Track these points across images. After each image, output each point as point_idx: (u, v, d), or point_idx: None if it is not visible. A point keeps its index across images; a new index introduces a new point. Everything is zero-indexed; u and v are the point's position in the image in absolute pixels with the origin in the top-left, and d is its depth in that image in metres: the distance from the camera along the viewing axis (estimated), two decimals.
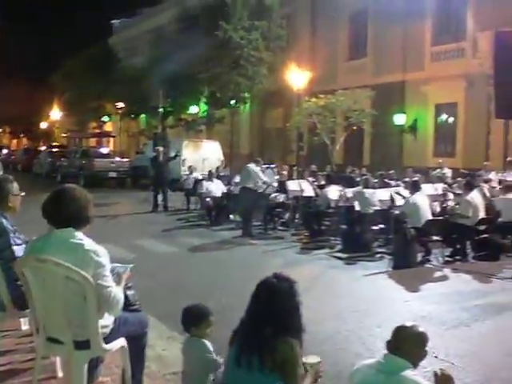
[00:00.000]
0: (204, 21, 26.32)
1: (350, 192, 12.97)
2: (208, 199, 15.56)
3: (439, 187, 13.58)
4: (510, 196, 11.55)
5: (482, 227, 10.98)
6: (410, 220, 10.48)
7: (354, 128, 22.84)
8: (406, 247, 10.11)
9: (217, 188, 16.11)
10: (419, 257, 10.44)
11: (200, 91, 29.90)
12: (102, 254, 3.65)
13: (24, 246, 4.40)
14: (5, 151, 52.31)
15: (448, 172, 17.70)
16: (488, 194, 12.57)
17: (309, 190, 14.31)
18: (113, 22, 54.24)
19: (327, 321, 6.71)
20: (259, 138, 33.43)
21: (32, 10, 74.64)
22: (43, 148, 45.33)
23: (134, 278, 4.22)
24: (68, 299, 3.62)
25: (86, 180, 25.91)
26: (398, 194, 12.22)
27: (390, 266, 9.97)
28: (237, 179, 15.91)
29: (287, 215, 14.66)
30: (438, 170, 17.88)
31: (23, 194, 4.89)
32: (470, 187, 11.32)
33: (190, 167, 19.55)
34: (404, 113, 24.35)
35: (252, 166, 13.75)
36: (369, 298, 8.07)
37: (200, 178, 18.01)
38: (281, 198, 14.47)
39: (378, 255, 11.03)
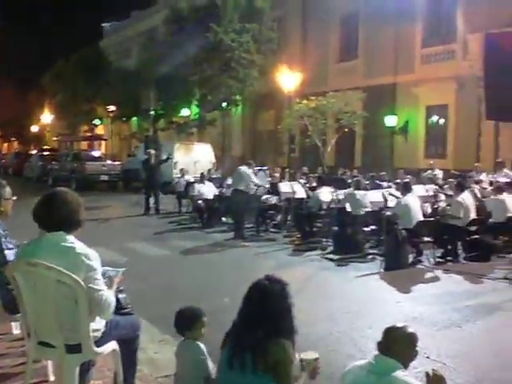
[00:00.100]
0: (195, 23, 26.31)
1: (341, 194, 13.00)
2: (200, 202, 15.54)
3: (430, 188, 13.63)
4: (501, 197, 11.61)
5: (473, 228, 11.04)
6: (401, 221, 10.52)
7: (346, 130, 22.89)
8: (397, 248, 10.14)
9: (208, 190, 16.10)
10: (411, 258, 10.48)
11: (191, 94, 29.88)
12: (94, 257, 3.65)
13: (15, 250, 4.39)
14: None
15: (439, 173, 17.77)
16: (479, 195, 12.64)
17: (300, 192, 14.33)
18: (103, 25, 54.15)
19: (319, 322, 6.72)
20: (251, 141, 33.45)
21: (23, 11, 74.47)
22: (34, 151, 45.18)
23: (126, 281, 4.21)
24: (59, 303, 3.61)
25: (78, 183, 25.83)
26: (390, 194, 12.28)
27: (382, 267, 9.99)
28: (229, 181, 15.91)
29: (279, 217, 14.69)
30: (429, 172, 17.96)
31: (15, 198, 4.88)
32: (461, 188, 11.37)
33: (181, 170, 19.53)
34: (395, 115, 24.43)
35: (244, 168, 13.76)
36: (360, 300, 8.09)
37: (192, 180, 18.00)
38: (273, 200, 14.49)
39: (370, 256, 11.07)
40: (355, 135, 25.03)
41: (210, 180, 17.33)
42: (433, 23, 23.43)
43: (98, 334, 3.80)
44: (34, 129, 61.35)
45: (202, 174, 17.23)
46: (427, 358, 5.57)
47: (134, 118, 36.44)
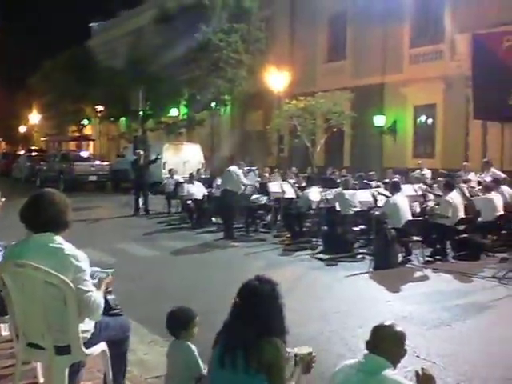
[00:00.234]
0: (183, 23, 26.27)
1: (330, 193, 13.04)
2: (189, 202, 15.52)
3: (419, 188, 13.67)
4: (489, 196, 11.67)
5: (462, 227, 11.08)
6: (390, 221, 10.54)
7: (334, 130, 22.94)
8: (386, 248, 10.16)
9: (198, 190, 16.08)
10: (400, 257, 10.50)
11: (180, 94, 29.83)
12: (82, 258, 3.63)
13: (3, 251, 4.36)
14: None
15: (427, 173, 17.83)
16: (467, 194, 12.70)
17: (290, 192, 14.33)
18: (91, 24, 53.94)
19: (310, 322, 6.72)
20: (240, 141, 33.40)
21: (9, 10, 73.99)
22: (22, 152, 44.93)
23: (116, 281, 4.19)
24: (48, 304, 3.59)
25: (66, 184, 25.71)
26: (380, 193, 12.32)
27: (371, 267, 10.01)
28: (218, 182, 15.90)
29: (269, 217, 14.69)
30: (418, 171, 18.02)
31: (4, 199, 4.84)
32: (449, 187, 11.41)
33: (170, 170, 19.48)
34: (383, 114, 24.49)
35: (234, 168, 13.75)
36: (350, 299, 8.11)
37: (181, 180, 17.95)
38: (262, 200, 14.49)
39: (359, 256, 11.08)
40: (344, 135, 25.07)
41: (200, 180, 17.30)
42: (421, 23, 23.51)
43: (88, 335, 3.78)
44: (22, 129, 61.05)
45: (191, 174, 17.19)
46: (417, 356, 5.59)
47: (123, 119, 36.29)
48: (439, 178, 14.55)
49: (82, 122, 44.92)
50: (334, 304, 7.77)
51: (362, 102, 23.71)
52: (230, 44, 26.14)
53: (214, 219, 15.64)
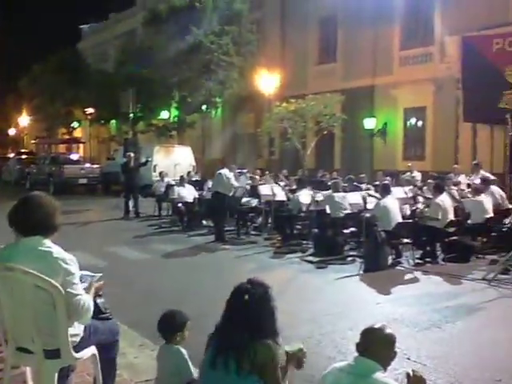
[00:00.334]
0: (174, 25, 26.26)
1: (320, 196, 13.07)
2: (180, 204, 15.49)
3: (409, 190, 13.72)
4: (479, 198, 11.72)
5: (452, 229, 11.11)
6: (380, 223, 10.57)
7: (325, 132, 22.97)
8: (376, 250, 10.18)
9: (189, 193, 16.05)
10: (390, 259, 10.53)
11: (171, 96, 29.80)
12: (71, 261, 3.61)
13: None
14: None
15: (418, 175, 17.88)
16: (457, 197, 12.74)
17: (281, 195, 14.35)
18: (81, 26, 53.80)
19: (300, 325, 6.72)
20: (231, 143, 33.41)
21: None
22: (12, 155, 44.72)
23: (106, 285, 4.17)
24: (37, 308, 3.57)
25: (56, 187, 25.63)
26: (370, 195, 12.35)
27: (362, 269, 10.02)
28: (209, 184, 15.88)
29: (260, 220, 14.70)
30: (408, 174, 18.07)
31: None
32: (439, 190, 11.45)
33: (160, 173, 19.44)
34: (374, 117, 24.56)
35: (224, 171, 13.74)
36: (341, 301, 8.12)
37: (172, 183, 17.92)
38: (253, 202, 14.49)
39: (350, 258, 11.10)
40: (335, 138, 25.15)
41: (190, 183, 17.28)
42: (411, 26, 23.62)
43: (77, 339, 3.76)
44: (12, 132, 60.76)
45: (181, 176, 17.17)
46: (408, 359, 5.61)
47: (113, 121, 36.19)
48: (429, 181, 14.60)
49: (72, 125, 44.73)
50: (324, 306, 7.77)
51: (353, 105, 23.79)
52: (221, 46, 26.15)
53: (204, 222, 15.62)
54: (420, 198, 13.49)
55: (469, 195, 12.79)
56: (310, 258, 11.16)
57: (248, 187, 15.66)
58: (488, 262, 10.35)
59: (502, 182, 15.04)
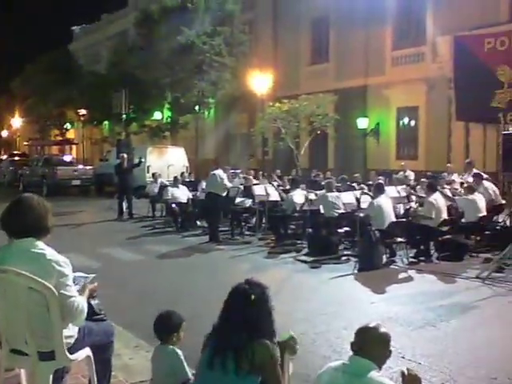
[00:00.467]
0: (166, 26, 26.24)
1: (313, 195, 13.08)
2: (174, 205, 15.47)
3: (403, 189, 13.75)
4: (472, 197, 11.76)
5: (445, 228, 11.14)
6: (374, 222, 10.59)
7: (318, 132, 23.00)
8: (371, 249, 10.19)
9: (182, 194, 16.03)
10: (384, 258, 10.54)
11: (163, 97, 29.77)
12: (64, 263, 3.61)
13: None
14: None
15: (411, 174, 17.92)
16: (450, 195, 12.78)
17: (274, 195, 14.35)
18: (73, 28, 53.68)
19: (295, 324, 6.70)
20: (224, 144, 33.41)
21: None
22: (4, 157, 44.60)
23: (100, 286, 4.16)
24: (31, 310, 3.56)
25: (49, 188, 25.58)
26: (364, 193, 12.37)
27: (356, 269, 10.03)
28: (203, 185, 15.86)
29: (254, 220, 14.69)
30: (401, 173, 18.11)
31: None
32: (432, 189, 11.48)
33: (153, 174, 19.42)
34: (366, 117, 24.62)
35: (218, 172, 13.73)
36: (336, 301, 8.12)
37: (166, 184, 17.89)
38: (247, 203, 14.49)
39: (344, 258, 11.11)
40: (328, 137, 25.19)
41: (184, 183, 17.26)
42: (403, 26, 23.69)
43: (71, 341, 3.75)
44: (4, 134, 60.57)
45: (175, 177, 17.14)
46: (402, 357, 5.61)
47: (106, 122, 36.15)
48: (422, 180, 14.64)
49: (64, 126, 44.67)
50: (318, 306, 7.77)
51: (346, 105, 23.85)
52: (213, 47, 26.14)
53: (198, 222, 15.61)
54: (413, 197, 13.53)
55: (462, 194, 12.84)
56: (305, 258, 11.16)
57: (241, 187, 15.65)
58: (482, 261, 10.39)
59: (495, 181, 15.08)
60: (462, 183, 14.32)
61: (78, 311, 3.61)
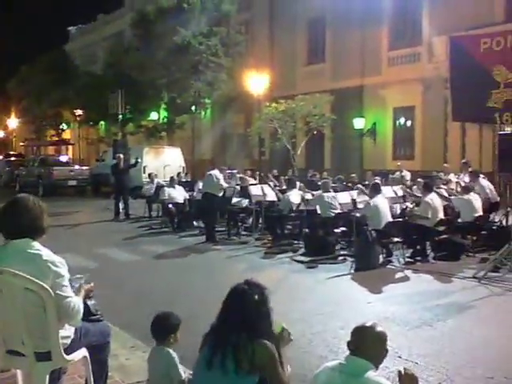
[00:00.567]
0: (162, 27, 26.22)
1: (309, 195, 13.08)
2: (170, 205, 15.45)
3: (399, 189, 13.76)
4: (468, 197, 11.77)
5: (442, 228, 11.16)
6: (370, 222, 10.60)
7: (315, 132, 23.01)
8: (367, 249, 10.20)
9: (179, 194, 16.00)
10: (381, 258, 10.55)
11: (159, 97, 29.75)
12: (60, 264, 3.60)
13: None
14: None
15: (407, 175, 17.94)
16: (447, 195, 12.80)
17: (271, 195, 14.35)
18: (69, 28, 53.62)
19: (292, 324, 6.65)
20: (220, 144, 33.41)
21: None
22: (0, 157, 44.53)
23: (97, 287, 4.15)
24: (27, 310, 3.55)
25: (45, 189, 25.56)
26: (363, 190, 12.41)
27: (353, 269, 10.04)
28: (200, 185, 15.85)
29: (250, 220, 14.69)
30: (398, 173, 18.13)
31: None
32: (428, 189, 11.50)
33: (150, 174, 19.40)
34: (363, 117, 24.64)
35: (215, 172, 13.73)
36: (332, 301, 8.12)
37: (162, 184, 17.86)
38: (244, 203, 14.49)
39: (341, 258, 11.11)
40: (324, 138, 25.19)
41: (180, 184, 17.24)
42: (399, 26, 23.72)
43: (68, 342, 3.75)
44: (0, 134, 60.45)
45: (171, 177, 17.13)
46: (399, 357, 5.62)
47: (102, 122, 36.11)
48: (419, 180, 14.66)
49: (60, 127, 44.60)
50: (315, 306, 7.78)
51: (342, 105, 23.86)
52: (209, 47, 26.13)
53: (195, 223, 15.59)
54: (409, 197, 13.54)
55: (458, 194, 12.86)
56: (301, 258, 11.16)
57: (238, 187, 15.63)
58: (478, 260, 10.42)
59: (491, 181, 15.10)
60: (457, 183, 14.35)
61: (75, 312, 3.60)
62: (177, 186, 16.42)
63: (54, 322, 3.56)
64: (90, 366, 3.98)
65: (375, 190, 11.20)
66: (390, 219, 10.89)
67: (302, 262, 10.89)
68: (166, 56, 25.89)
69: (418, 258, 10.75)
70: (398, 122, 24.21)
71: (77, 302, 3.65)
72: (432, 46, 21.09)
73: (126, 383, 4.76)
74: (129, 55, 28.69)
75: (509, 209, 11.01)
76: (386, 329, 3.22)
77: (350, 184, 15.99)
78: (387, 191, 12.63)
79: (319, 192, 12.78)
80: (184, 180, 19.16)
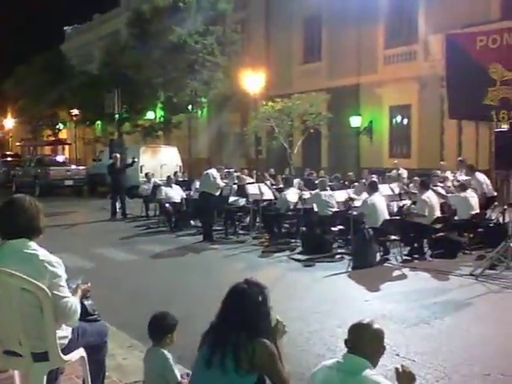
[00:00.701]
0: (158, 26, 26.18)
1: (306, 194, 13.08)
2: (167, 205, 15.44)
3: (396, 187, 13.78)
4: (465, 194, 11.79)
5: (439, 225, 11.17)
6: (368, 220, 10.61)
7: (311, 131, 23.00)
8: (364, 247, 10.22)
9: (176, 193, 15.99)
10: (378, 256, 10.57)
11: (156, 96, 29.72)
12: (57, 264, 3.60)
13: None
14: None
15: (404, 173, 17.95)
16: (443, 193, 12.82)
17: (268, 194, 14.35)
18: (65, 28, 53.52)
19: (290, 323, 6.65)
20: (217, 143, 33.38)
21: None
22: None
23: (94, 287, 4.15)
24: (24, 311, 3.54)
25: (42, 189, 25.51)
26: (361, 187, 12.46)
27: (350, 267, 10.05)
28: (197, 185, 15.84)
29: (248, 219, 14.69)
30: (394, 171, 18.13)
31: None
32: (425, 187, 11.51)
33: (146, 174, 19.37)
34: (359, 115, 24.63)
35: (212, 171, 13.73)
36: (330, 299, 8.13)
37: (159, 183, 17.84)
38: (241, 202, 14.48)
39: (338, 256, 11.13)
40: (321, 136, 25.18)
41: (177, 183, 17.22)
42: (395, 25, 23.70)
43: (65, 342, 3.74)
44: None
45: (168, 177, 17.11)
46: (397, 355, 5.63)
47: (98, 122, 36.04)
48: (415, 178, 14.67)
49: (57, 127, 44.52)
50: (312, 304, 7.78)
51: (338, 103, 23.85)
52: (205, 46, 26.09)
53: (192, 222, 15.58)
54: (406, 195, 13.55)
55: (454, 191, 12.88)
56: (299, 257, 11.17)
57: (235, 186, 15.63)
58: (475, 258, 10.44)
59: (488, 178, 15.13)
60: (453, 181, 14.37)
61: (72, 312, 3.60)
62: (174, 185, 16.41)
63: (50, 322, 3.55)
64: (88, 366, 3.97)
65: (372, 188, 11.21)
66: (387, 217, 10.90)
67: (299, 260, 10.90)
68: (162, 55, 25.85)
69: (416, 256, 10.76)
70: (394, 120, 24.20)
71: (74, 302, 3.64)
72: (428, 44, 21.08)
73: (123, 383, 4.76)
74: (125, 54, 28.62)
75: (505, 206, 11.02)
76: (383, 327, 3.22)
77: (346, 182, 15.99)
78: (384, 189, 12.65)
79: (316, 190, 12.78)
80: (181, 179, 19.15)
